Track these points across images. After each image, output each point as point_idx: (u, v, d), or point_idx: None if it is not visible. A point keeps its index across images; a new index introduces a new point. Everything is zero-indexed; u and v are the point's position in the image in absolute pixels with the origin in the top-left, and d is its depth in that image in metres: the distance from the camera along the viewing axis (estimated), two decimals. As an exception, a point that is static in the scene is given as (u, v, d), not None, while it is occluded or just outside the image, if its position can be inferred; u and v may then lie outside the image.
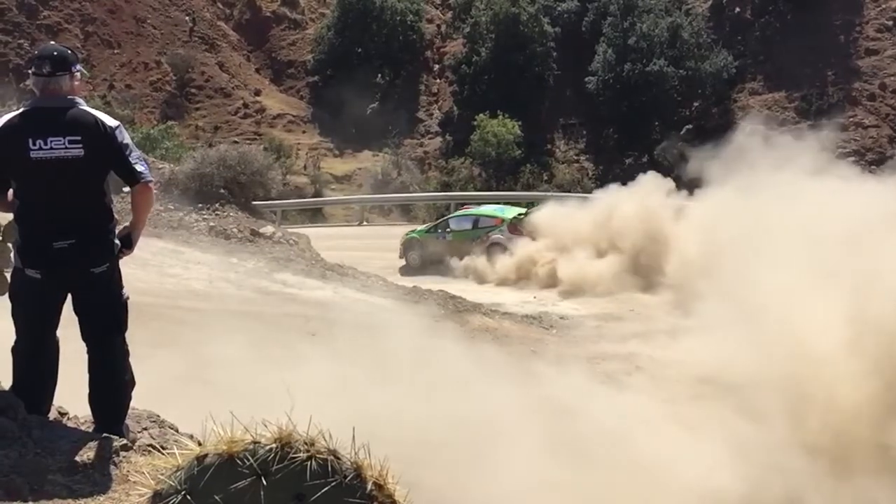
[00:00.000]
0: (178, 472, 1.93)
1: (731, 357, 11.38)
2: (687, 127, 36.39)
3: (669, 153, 32.90)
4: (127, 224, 4.44)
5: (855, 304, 10.99)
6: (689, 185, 20.27)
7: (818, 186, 13.83)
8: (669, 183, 20.28)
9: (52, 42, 4.94)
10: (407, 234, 22.25)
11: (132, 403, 4.58)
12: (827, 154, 16.41)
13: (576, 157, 38.24)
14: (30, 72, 4.33)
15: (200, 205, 18.73)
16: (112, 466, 4.05)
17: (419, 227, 23.13)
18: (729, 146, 17.29)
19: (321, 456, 1.91)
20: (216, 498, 1.89)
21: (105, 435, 4.26)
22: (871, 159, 32.14)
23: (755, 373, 10.93)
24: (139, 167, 4.27)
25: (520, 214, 20.92)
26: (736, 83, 37.58)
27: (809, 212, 13.04)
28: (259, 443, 1.91)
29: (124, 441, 4.27)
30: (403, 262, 21.52)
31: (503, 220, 20.71)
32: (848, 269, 11.35)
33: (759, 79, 37.51)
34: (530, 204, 23.57)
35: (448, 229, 21.37)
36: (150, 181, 4.37)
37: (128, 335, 4.48)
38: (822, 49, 36.40)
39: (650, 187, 19.92)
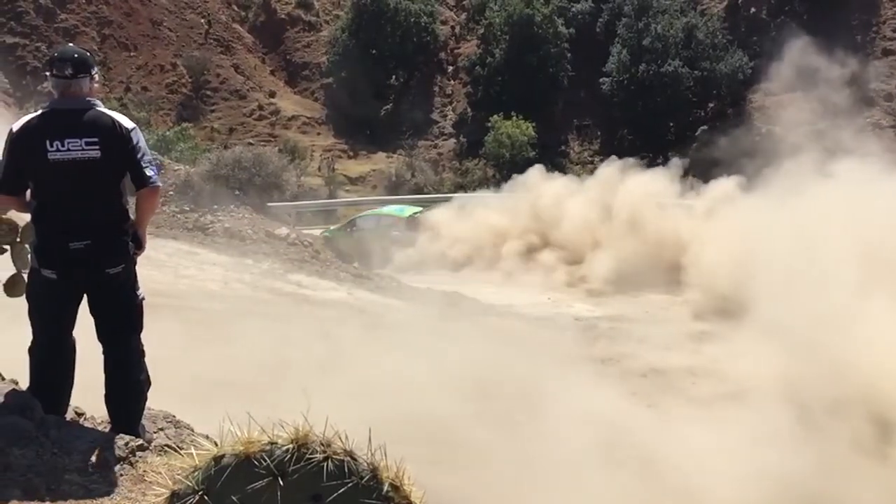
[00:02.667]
0: (196, 473, 1.93)
1: (761, 363, 11.24)
2: (702, 128, 36.19)
3: (685, 155, 32.71)
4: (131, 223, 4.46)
5: None
6: (692, 185, 20.32)
7: (867, 185, 13.48)
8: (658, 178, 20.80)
9: (71, 44, 4.96)
10: (322, 233, 23.47)
11: (148, 404, 4.59)
12: (858, 153, 16.15)
13: (590, 159, 38.05)
14: (49, 74, 4.34)
15: (216, 206, 18.80)
16: (128, 466, 4.06)
17: (332, 227, 24.33)
18: (753, 145, 17.15)
19: (338, 457, 1.91)
20: (233, 498, 1.89)
21: (121, 435, 4.27)
22: (888, 160, 31.79)
23: (778, 378, 10.80)
24: (149, 171, 4.29)
25: (415, 213, 23.06)
26: (751, 84, 37.34)
27: (860, 214, 12.69)
28: (276, 443, 1.91)
29: (140, 441, 4.29)
30: None
31: (401, 219, 22.70)
32: None
33: (774, 79, 37.24)
34: (425, 204, 25.46)
35: (355, 228, 22.89)
36: (158, 186, 4.39)
37: (143, 335, 4.50)
38: (838, 49, 36.09)
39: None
